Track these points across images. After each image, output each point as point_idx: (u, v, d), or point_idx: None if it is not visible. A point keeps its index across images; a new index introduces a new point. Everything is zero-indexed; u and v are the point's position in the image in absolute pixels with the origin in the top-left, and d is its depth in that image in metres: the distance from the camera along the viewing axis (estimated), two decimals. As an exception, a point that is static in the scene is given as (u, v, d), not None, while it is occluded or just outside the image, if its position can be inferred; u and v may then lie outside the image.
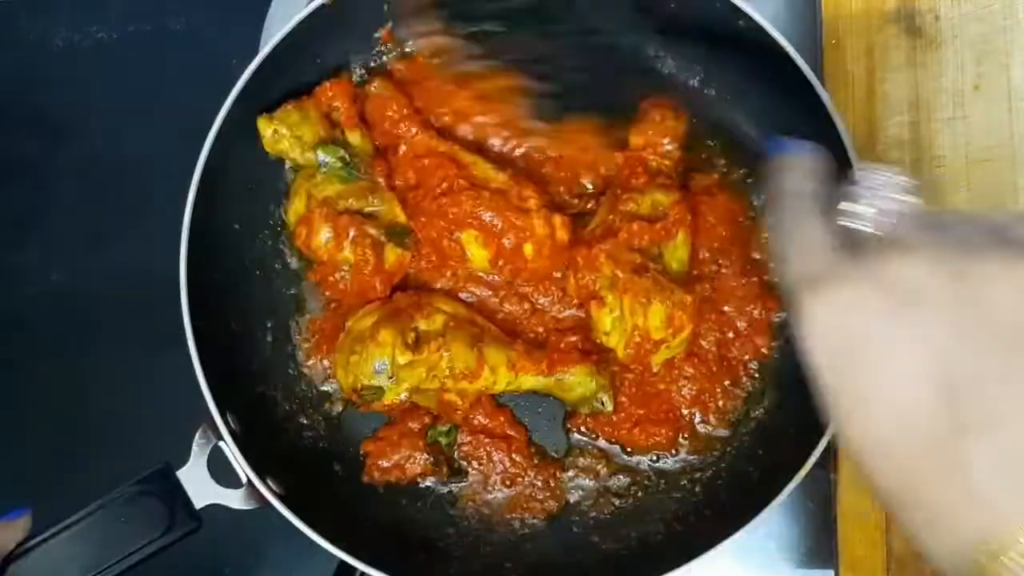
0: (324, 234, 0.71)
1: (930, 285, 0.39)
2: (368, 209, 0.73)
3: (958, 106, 0.75)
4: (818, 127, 0.69)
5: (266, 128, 0.72)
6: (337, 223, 0.71)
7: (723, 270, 0.76)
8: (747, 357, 0.76)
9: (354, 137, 0.74)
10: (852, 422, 0.40)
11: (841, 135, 0.68)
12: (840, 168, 0.47)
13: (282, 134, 0.71)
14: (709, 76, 0.78)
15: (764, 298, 0.75)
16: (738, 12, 0.70)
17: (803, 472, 0.66)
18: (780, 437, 0.73)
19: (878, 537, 0.71)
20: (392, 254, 0.73)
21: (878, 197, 0.43)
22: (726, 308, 0.76)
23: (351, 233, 0.71)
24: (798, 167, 0.48)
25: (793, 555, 0.78)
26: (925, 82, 0.76)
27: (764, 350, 0.75)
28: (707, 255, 0.76)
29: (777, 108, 0.74)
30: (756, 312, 0.75)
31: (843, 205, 0.44)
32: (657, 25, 0.77)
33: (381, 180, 0.74)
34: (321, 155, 0.72)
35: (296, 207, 0.73)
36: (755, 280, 0.76)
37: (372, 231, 0.71)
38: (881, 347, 0.39)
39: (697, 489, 0.75)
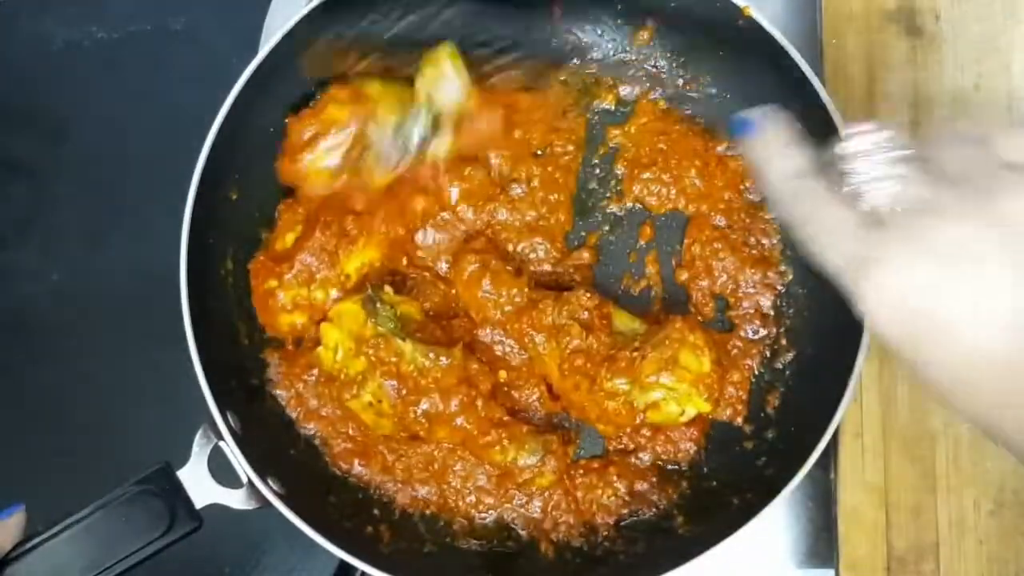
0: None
1: (975, 239, 0.41)
2: None
3: (958, 106, 0.75)
4: (818, 127, 0.69)
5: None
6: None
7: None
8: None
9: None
10: (933, 376, 0.43)
11: (841, 135, 0.68)
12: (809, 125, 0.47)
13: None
14: (709, 75, 0.78)
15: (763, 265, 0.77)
16: (738, 11, 0.70)
17: (803, 472, 0.66)
18: (781, 436, 0.73)
19: (878, 537, 0.71)
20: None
21: (876, 163, 0.44)
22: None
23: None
24: (779, 143, 0.48)
25: (793, 555, 0.78)
26: (925, 82, 0.76)
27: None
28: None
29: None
30: (757, 277, 0.76)
31: (849, 182, 0.45)
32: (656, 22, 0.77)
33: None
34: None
35: None
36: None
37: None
38: (950, 310, 0.42)
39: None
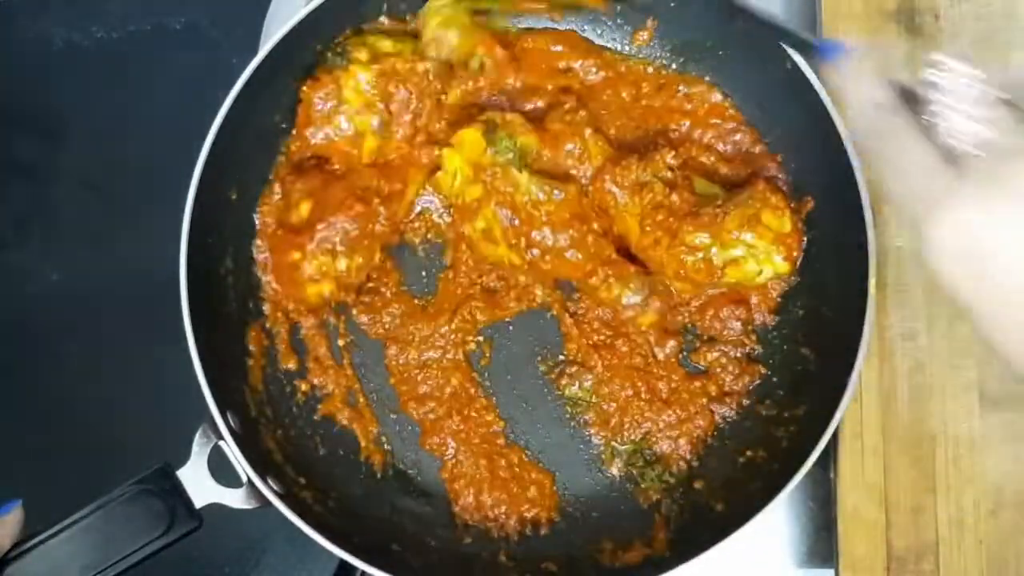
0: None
1: None
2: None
3: (958, 106, 0.75)
4: (818, 127, 0.69)
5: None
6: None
7: None
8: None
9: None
10: (988, 321, 0.43)
11: (841, 135, 0.68)
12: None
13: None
14: (709, 75, 0.79)
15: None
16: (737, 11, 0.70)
17: (803, 472, 0.66)
18: (780, 436, 0.73)
19: (878, 537, 0.71)
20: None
21: (963, 105, 0.43)
22: None
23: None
24: (869, 73, 0.47)
25: (793, 555, 0.78)
26: (925, 82, 0.76)
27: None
28: None
29: (777, 107, 0.75)
30: None
31: (934, 117, 0.44)
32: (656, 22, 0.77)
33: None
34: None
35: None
36: None
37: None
38: (1017, 254, 0.41)
39: (698, 488, 0.75)
